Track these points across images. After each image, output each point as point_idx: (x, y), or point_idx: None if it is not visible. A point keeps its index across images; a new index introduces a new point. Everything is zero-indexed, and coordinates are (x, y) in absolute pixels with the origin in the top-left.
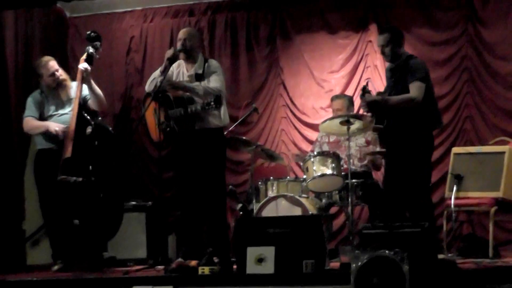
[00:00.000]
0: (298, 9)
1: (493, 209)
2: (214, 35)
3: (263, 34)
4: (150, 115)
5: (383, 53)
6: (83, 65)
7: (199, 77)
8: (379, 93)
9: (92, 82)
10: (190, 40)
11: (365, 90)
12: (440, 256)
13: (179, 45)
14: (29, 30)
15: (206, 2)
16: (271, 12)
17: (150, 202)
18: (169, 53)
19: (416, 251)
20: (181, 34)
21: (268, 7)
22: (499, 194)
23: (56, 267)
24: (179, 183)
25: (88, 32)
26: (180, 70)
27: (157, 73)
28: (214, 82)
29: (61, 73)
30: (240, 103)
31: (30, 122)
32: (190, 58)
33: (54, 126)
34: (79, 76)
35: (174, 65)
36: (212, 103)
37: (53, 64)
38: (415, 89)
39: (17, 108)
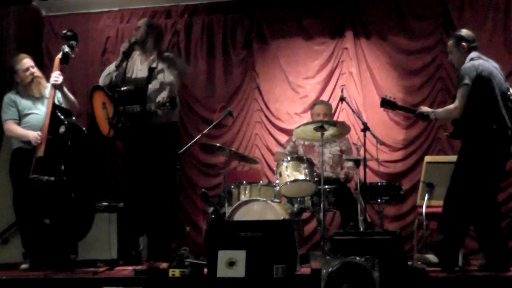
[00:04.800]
0: (275, 14)
1: None
2: (191, 38)
3: (239, 38)
4: (99, 109)
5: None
6: (54, 77)
7: (152, 71)
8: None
9: (65, 88)
10: (147, 31)
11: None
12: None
13: (136, 34)
14: (4, 28)
15: (183, 5)
16: (248, 16)
17: (122, 203)
18: (124, 46)
19: (386, 258)
20: (140, 23)
21: (245, 11)
22: None
23: (24, 266)
24: (128, 177)
25: (65, 31)
26: (135, 61)
27: (112, 67)
28: (169, 76)
29: (36, 70)
30: (215, 106)
31: (13, 128)
32: (145, 49)
33: (35, 136)
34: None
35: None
36: (168, 104)
37: (28, 60)
38: (457, 98)
39: None
